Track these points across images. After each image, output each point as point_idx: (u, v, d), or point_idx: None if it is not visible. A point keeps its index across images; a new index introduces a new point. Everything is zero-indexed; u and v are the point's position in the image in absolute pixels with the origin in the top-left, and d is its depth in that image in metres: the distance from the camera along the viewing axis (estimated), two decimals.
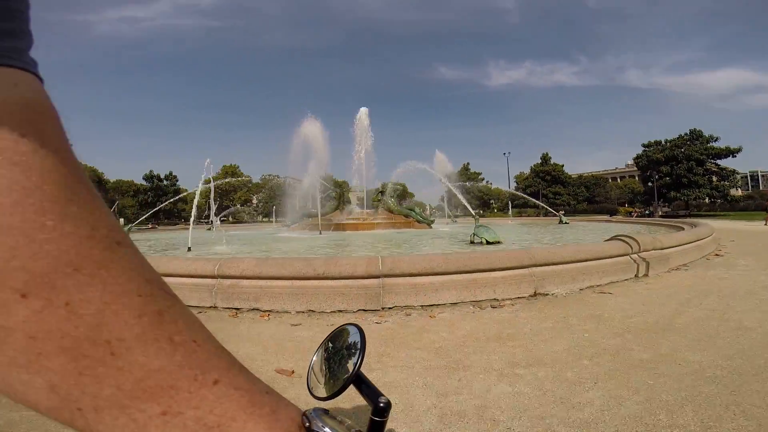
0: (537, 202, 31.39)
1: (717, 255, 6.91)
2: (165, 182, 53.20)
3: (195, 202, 14.63)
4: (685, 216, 36.22)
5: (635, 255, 5.04)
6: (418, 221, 18.50)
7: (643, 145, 50.72)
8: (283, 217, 24.12)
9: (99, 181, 49.41)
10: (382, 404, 0.31)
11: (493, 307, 3.57)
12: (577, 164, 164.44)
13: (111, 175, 53.81)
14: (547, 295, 3.98)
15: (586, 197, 59.32)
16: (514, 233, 13.26)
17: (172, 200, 38.16)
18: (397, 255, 4.61)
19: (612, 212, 43.95)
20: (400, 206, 19.45)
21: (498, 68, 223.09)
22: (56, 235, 0.21)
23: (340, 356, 0.36)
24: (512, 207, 56.19)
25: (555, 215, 24.42)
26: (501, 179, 59.03)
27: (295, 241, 11.63)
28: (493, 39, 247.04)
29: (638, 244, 5.06)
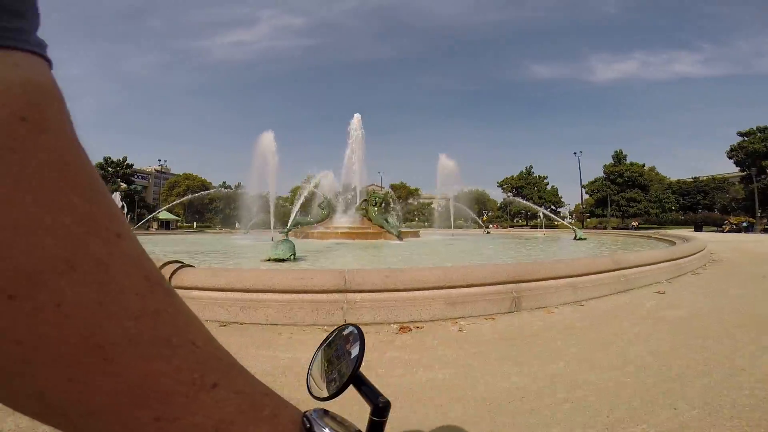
0: (543, 210, 26.60)
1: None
2: (233, 190, 58.99)
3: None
4: None
5: None
6: (389, 232, 17.52)
7: (740, 134, 39.62)
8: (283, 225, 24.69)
9: (204, 187, 56.58)
10: (381, 404, 0.31)
11: None
12: (709, 163, 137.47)
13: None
14: None
15: (685, 205, 49.21)
16: (436, 252, 11.30)
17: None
18: None
19: (701, 223, 35.62)
20: (381, 216, 18.51)
21: (602, 62, 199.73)
22: (54, 228, 0.19)
23: (339, 357, 0.36)
24: (590, 217, 49.43)
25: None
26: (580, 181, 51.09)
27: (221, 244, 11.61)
28: (589, 32, 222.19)
29: None
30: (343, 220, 20.53)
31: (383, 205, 19.62)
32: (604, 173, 50.04)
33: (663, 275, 5.70)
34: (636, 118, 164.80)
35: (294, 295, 3.37)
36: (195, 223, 45.69)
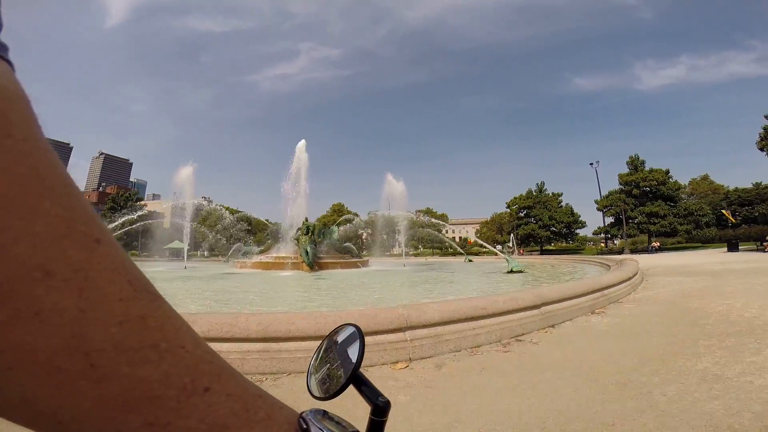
0: (445, 236, 23.07)
1: None
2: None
3: None
4: None
5: None
6: (304, 261, 16.84)
7: None
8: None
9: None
10: (381, 404, 0.31)
11: None
12: None
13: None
14: None
15: (747, 217, 42.51)
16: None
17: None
18: None
19: (736, 240, 30.38)
20: (305, 245, 17.83)
21: (647, 69, 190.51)
22: (24, 236, 0.19)
23: (339, 356, 0.35)
24: (610, 238, 44.44)
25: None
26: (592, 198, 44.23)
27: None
28: (628, 39, 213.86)
29: None
30: (285, 250, 19.95)
31: (312, 234, 18.72)
32: (620, 184, 44.65)
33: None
34: (693, 126, 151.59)
35: None
36: (198, 252, 47.26)
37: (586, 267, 16.04)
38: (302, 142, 22.93)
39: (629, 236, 40.84)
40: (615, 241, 48.12)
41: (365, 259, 21.52)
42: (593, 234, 53.38)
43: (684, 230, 40.72)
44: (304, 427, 0.28)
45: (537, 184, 54.20)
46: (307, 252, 16.89)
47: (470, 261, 26.33)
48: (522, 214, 51.80)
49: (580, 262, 21.05)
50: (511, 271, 12.91)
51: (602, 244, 49.92)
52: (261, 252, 21.47)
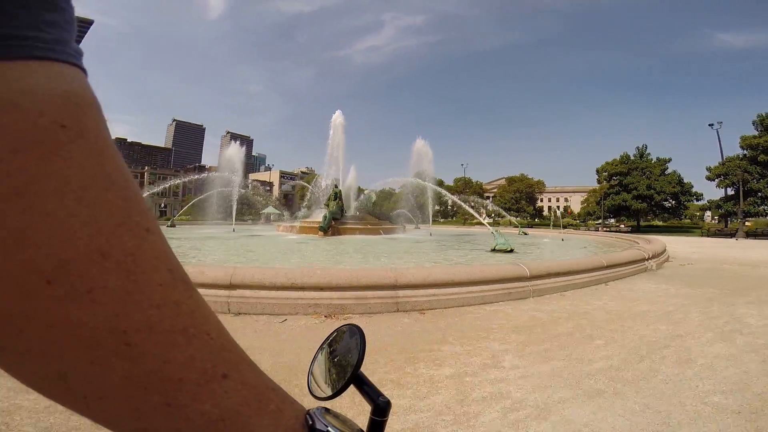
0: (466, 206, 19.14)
1: None
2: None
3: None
4: None
5: None
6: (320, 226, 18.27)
7: None
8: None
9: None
10: (382, 404, 0.32)
11: None
12: None
13: None
14: None
15: None
16: None
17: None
18: None
19: None
20: (329, 212, 19.26)
21: None
22: (90, 221, 0.21)
23: (340, 356, 0.37)
24: (724, 214, 36.08)
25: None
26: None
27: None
28: None
29: None
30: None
31: (339, 199, 20.08)
32: (742, 148, 35.29)
33: None
34: None
35: None
36: (287, 215, 52.34)
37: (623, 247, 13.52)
38: (338, 113, 23.96)
39: (746, 214, 32.21)
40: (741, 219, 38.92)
41: (393, 226, 21.55)
42: (701, 209, 43.85)
43: None
44: (310, 422, 0.29)
45: (637, 147, 45.48)
46: (325, 217, 17.88)
47: (525, 234, 24.06)
48: (615, 182, 44.36)
49: (629, 241, 18.15)
50: (494, 250, 10.43)
51: (712, 221, 40.69)
52: (305, 217, 23.18)
